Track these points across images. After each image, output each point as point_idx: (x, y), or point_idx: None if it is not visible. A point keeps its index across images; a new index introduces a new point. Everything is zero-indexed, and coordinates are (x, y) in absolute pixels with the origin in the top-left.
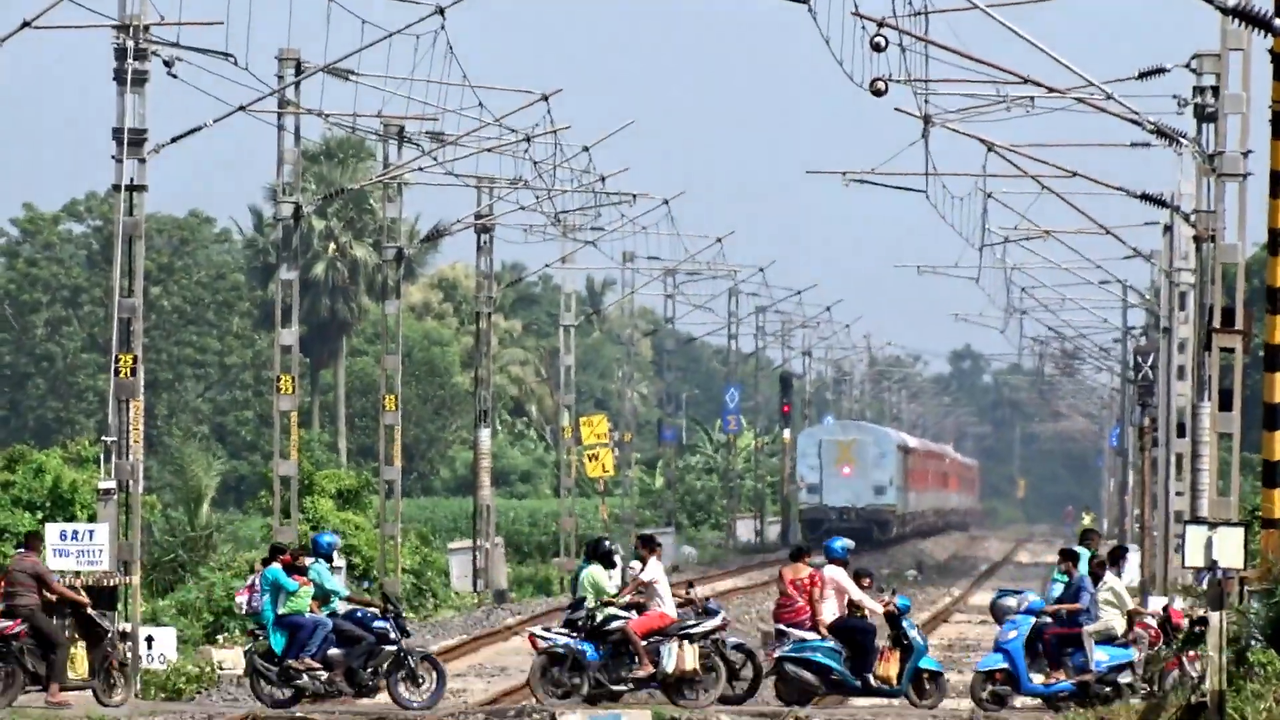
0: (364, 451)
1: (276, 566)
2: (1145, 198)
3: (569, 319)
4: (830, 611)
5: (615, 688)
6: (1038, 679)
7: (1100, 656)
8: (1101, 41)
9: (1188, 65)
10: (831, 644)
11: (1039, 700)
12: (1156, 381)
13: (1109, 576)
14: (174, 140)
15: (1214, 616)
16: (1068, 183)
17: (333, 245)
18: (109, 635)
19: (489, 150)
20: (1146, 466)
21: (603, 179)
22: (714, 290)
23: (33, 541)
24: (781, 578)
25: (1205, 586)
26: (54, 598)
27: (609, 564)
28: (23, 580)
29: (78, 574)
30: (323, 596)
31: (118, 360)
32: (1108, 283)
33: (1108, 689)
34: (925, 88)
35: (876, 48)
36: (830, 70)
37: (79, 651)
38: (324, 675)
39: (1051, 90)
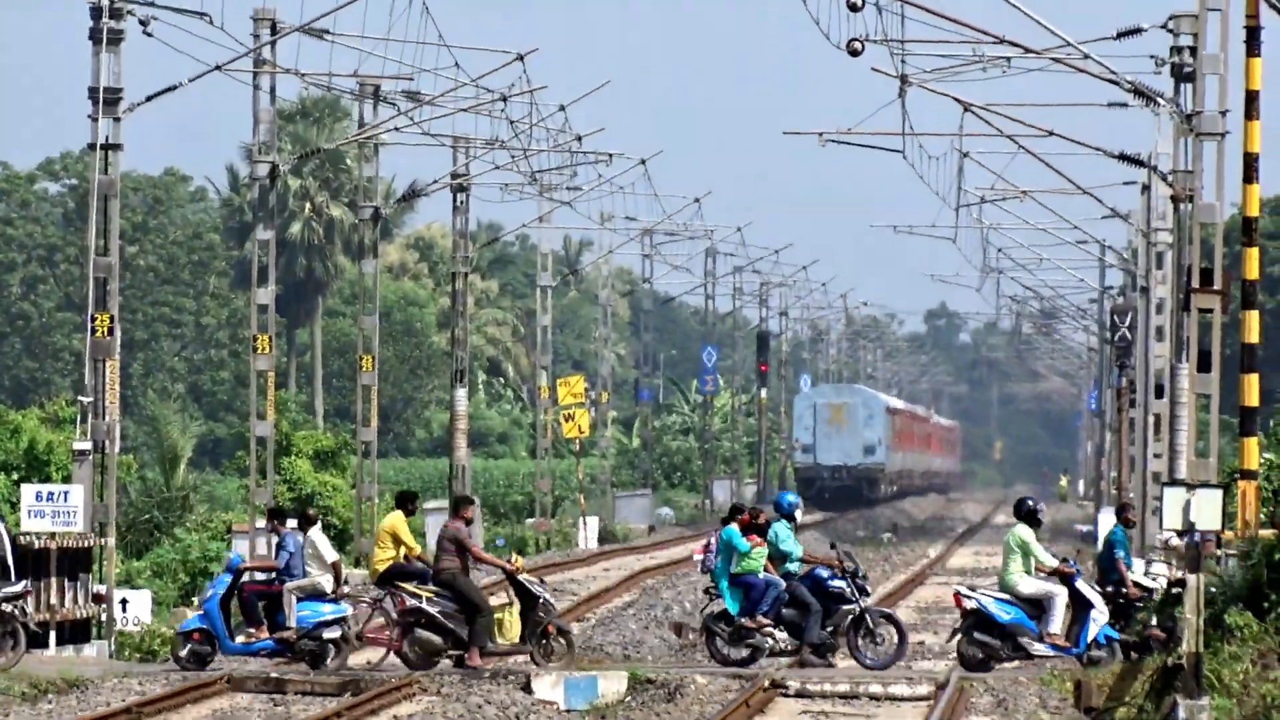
0: (340, 412)
1: (733, 527)
2: (1123, 158)
3: (546, 279)
4: None
5: None
6: (241, 638)
7: (304, 613)
8: (1078, 1)
9: (1165, 25)
10: None
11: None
12: (1134, 342)
13: (314, 533)
14: (149, 99)
15: (1191, 579)
16: (1044, 143)
17: (309, 205)
18: (541, 600)
19: (465, 110)
20: (1124, 428)
21: (579, 138)
22: (691, 250)
23: (461, 508)
24: None
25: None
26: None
27: (1034, 523)
28: (445, 545)
29: (52, 535)
30: (780, 556)
31: (94, 320)
32: (1085, 243)
33: (314, 644)
34: (902, 47)
35: (853, 7)
36: (807, 30)
37: (513, 617)
38: (777, 634)
39: (1028, 50)
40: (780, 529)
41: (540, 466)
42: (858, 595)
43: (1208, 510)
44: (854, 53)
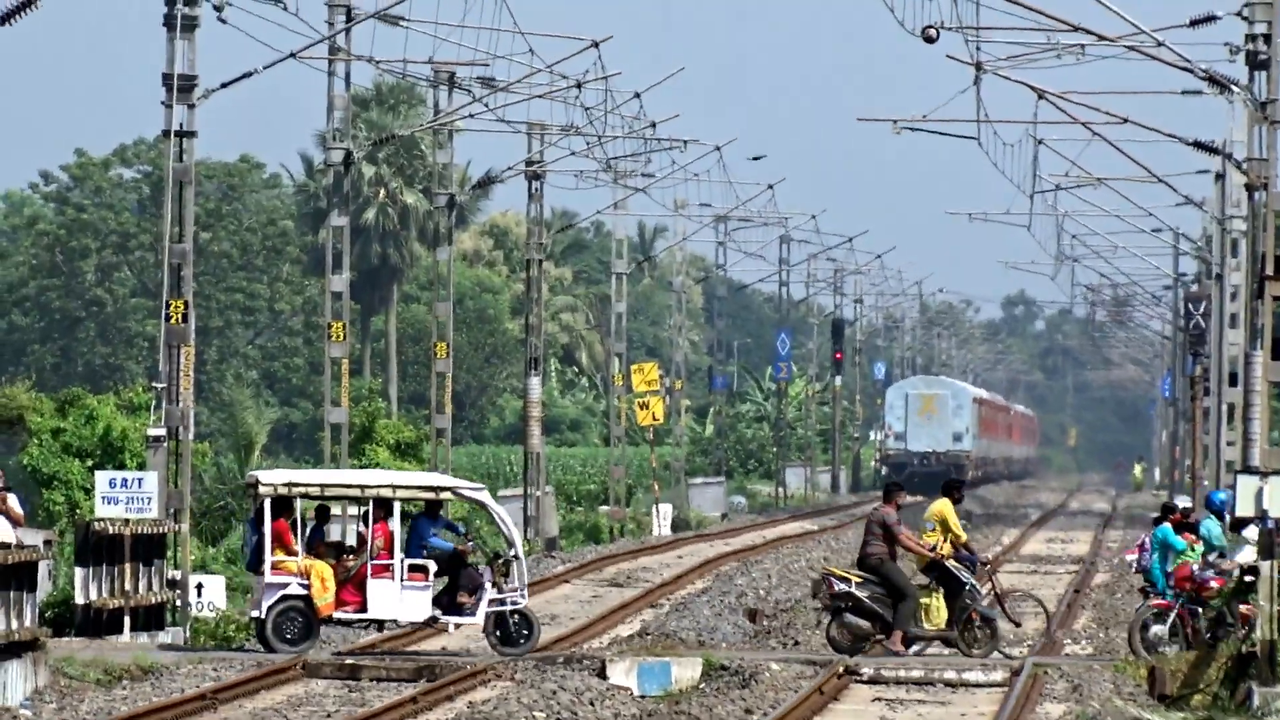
0: (414, 399)
1: (1167, 525)
2: (1197, 145)
3: (620, 266)
4: None
5: None
6: None
7: None
8: None
9: (1239, 13)
10: None
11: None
12: (1208, 329)
13: None
14: (224, 86)
15: (1264, 566)
16: (1119, 130)
17: (383, 191)
18: (968, 587)
19: (540, 96)
20: (1198, 416)
21: (654, 125)
22: (765, 237)
23: (892, 494)
24: None
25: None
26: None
27: None
28: (874, 530)
29: (127, 521)
30: (1213, 552)
31: (169, 306)
32: (1159, 230)
33: None
34: (976, 35)
35: None
36: (882, 17)
37: (939, 602)
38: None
39: (1102, 38)
40: (1212, 525)
41: (614, 454)
42: None
43: None
44: (929, 39)
